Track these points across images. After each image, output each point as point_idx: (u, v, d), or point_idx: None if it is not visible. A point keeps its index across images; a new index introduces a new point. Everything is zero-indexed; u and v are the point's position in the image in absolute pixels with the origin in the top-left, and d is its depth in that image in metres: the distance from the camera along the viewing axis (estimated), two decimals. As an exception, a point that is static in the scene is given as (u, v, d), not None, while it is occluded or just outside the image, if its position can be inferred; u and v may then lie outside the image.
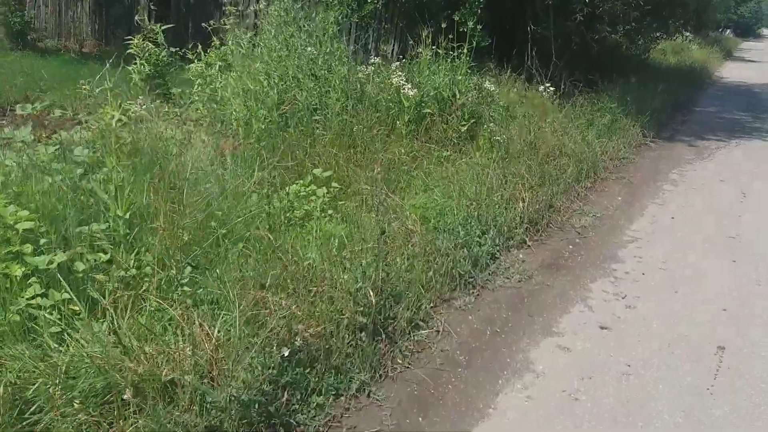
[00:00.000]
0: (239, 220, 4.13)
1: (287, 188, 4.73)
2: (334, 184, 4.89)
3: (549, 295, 4.32)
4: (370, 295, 3.21)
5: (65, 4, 14.59)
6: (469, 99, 7.78)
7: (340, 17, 9.35)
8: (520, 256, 4.67)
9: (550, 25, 10.42)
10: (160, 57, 8.73)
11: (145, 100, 8.70)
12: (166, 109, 7.91)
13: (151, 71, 8.77)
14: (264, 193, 4.26)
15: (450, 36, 7.80)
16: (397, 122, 6.72)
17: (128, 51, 8.87)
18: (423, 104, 7.18)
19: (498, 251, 4.64)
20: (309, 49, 7.08)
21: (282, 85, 6.53)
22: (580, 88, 9.58)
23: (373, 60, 8.43)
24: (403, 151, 6.22)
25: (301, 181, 4.77)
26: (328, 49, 7.02)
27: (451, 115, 7.23)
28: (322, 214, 4.46)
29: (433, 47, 8.14)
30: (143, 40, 8.68)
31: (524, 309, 4.09)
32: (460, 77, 7.74)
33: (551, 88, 8.25)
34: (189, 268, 3.34)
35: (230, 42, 7.23)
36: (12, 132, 4.38)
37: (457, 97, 7.41)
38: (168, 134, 6.29)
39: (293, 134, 6.05)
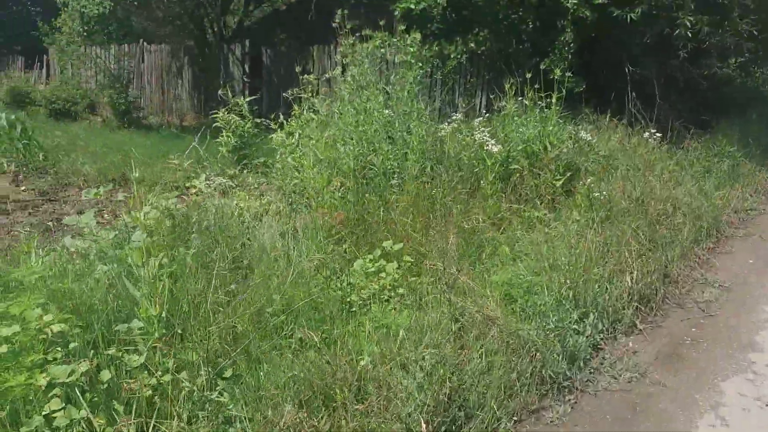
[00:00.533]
0: (299, 305, 3.71)
1: (354, 264, 4.28)
2: (406, 257, 4.39)
3: (668, 400, 3.40)
4: (422, 427, 2.58)
5: (167, 83, 15.51)
6: (563, 151, 7.12)
7: (420, 76, 9.05)
8: (630, 344, 3.82)
9: (651, 64, 9.56)
10: (246, 128, 8.82)
11: (227, 171, 8.79)
12: (250, 179, 7.88)
13: (237, 143, 8.87)
14: (325, 275, 3.83)
15: (537, 86, 7.22)
16: (482, 182, 6.16)
17: (215, 124, 9.06)
18: (510, 160, 6.60)
19: (602, 339, 3.81)
20: (386, 111, 6.77)
21: (357, 150, 6.22)
22: (691, 131, 8.59)
23: (456, 116, 8.01)
24: (486, 213, 5.63)
25: (370, 256, 4.31)
26: (406, 110, 6.66)
27: (543, 169, 6.58)
28: (392, 294, 3.96)
29: (520, 98, 7.60)
30: (227, 113, 8.81)
31: (636, 421, 3.22)
32: (550, 128, 7.09)
33: (657, 134, 7.37)
34: (222, 381, 2.92)
35: (305, 111, 7.06)
36: (76, 218, 4.27)
37: (549, 149, 6.76)
38: (243, 205, 6.12)
39: (369, 201, 5.66)
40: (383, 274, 4.08)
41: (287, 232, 5.07)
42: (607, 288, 3.89)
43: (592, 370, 3.45)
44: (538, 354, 3.23)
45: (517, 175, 6.56)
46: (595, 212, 5.30)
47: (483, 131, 6.96)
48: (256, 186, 7.23)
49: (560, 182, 6.54)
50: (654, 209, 5.17)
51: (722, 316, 4.24)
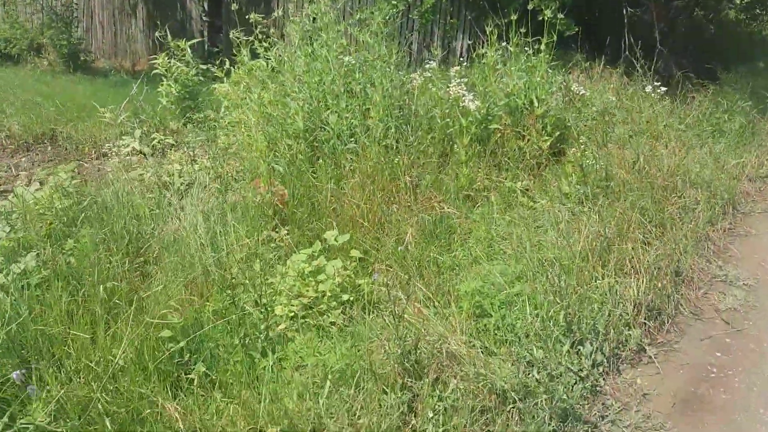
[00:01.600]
0: (204, 331, 2.83)
1: (289, 261, 3.38)
2: (353, 252, 3.49)
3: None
4: None
5: (120, 23, 14.10)
6: (553, 105, 6.16)
7: (392, 15, 7.86)
8: (638, 381, 2.89)
9: (651, 5, 8.51)
10: (189, 76, 7.69)
11: (170, 126, 7.72)
12: (189, 137, 6.84)
13: (180, 93, 7.75)
14: (244, 278, 2.94)
15: (523, 29, 6.18)
16: (456, 145, 5.22)
17: (154, 71, 7.91)
18: (490, 117, 5.63)
19: (601, 375, 2.86)
20: (346, 58, 5.73)
21: (308, 106, 5.21)
22: (694, 82, 7.64)
23: (430, 64, 6.95)
24: (459, 184, 4.72)
25: (308, 251, 3.40)
26: (368, 57, 5.61)
27: (528, 129, 5.64)
28: (331, 306, 3.07)
29: (504, 43, 6.57)
30: (168, 58, 7.66)
31: None
32: (538, 78, 6.09)
33: (661, 87, 6.40)
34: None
35: (243, 56, 5.97)
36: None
37: (536, 105, 5.80)
38: (171, 173, 5.14)
39: (320, 171, 4.71)
40: (322, 277, 3.18)
41: (213, 211, 4.13)
42: (607, 296, 3.02)
43: (589, 429, 2.60)
44: (515, 410, 2.40)
45: (498, 135, 5.62)
46: (588, 185, 4.41)
47: (459, 83, 5.96)
48: (195, 146, 6.22)
49: (548, 143, 5.61)
50: (661, 182, 4.29)
51: (752, 332, 3.36)
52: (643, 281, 3.14)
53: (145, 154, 6.89)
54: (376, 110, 5.23)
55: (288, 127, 5.08)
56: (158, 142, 6.97)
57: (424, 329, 2.58)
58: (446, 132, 5.38)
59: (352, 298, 3.12)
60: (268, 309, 2.88)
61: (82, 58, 12.93)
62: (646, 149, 4.50)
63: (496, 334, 2.76)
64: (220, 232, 4.04)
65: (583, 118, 6.04)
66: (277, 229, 3.85)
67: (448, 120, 5.43)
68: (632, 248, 3.37)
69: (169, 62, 7.61)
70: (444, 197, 4.65)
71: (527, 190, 4.88)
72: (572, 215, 4.02)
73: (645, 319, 3.04)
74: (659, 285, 3.19)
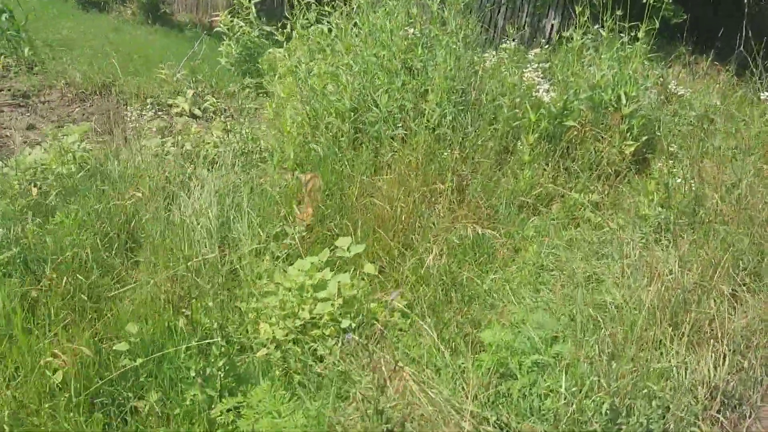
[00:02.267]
0: (167, 352, 2.39)
1: (290, 269, 2.88)
2: (368, 267, 2.95)
3: None
4: None
5: (203, -24, 13.93)
6: (644, 104, 5.31)
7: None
8: None
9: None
10: (252, 37, 7.29)
11: (226, 88, 7.35)
12: (242, 102, 6.46)
13: (241, 54, 7.38)
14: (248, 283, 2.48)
15: (620, 11, 5.31)
16: (520, 142, 4.53)
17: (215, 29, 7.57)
18: (566, 113, 4.88)
19: None
20: (410, 30, 5.10)
21: (359, 84, 4.65)
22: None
23: (509, 44, 6.19)
24: (516, 190, 4.07)
25: (314, 259, 2.88)
26: (434, 32, 4.96)
27: (611, 130, 4.85)
28: (324, 334, 2.55)
29: (596, 26, 5.72)
30: (231, 16, 7.27)
31: None
32: (631, 71, 5.24)
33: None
34: None
35: (298, 24, 5.44)
36: None
37: (624, 102, 4.98)
38: (194, 149, 4.72)
39: (357, 159, 4.18)
40: (324, 294, 2.66)
41: (229, 193, 3.70)
42: (673, 377, 2.32)
43: None
44: None
45: (574, 134, 4.87)
46: (671, 209, 3.65)
47: (537, 68, 5.22)
48: (241, 115, 5.81)
49: (631, 149, 4.82)
50: (766, 216, 3.47)
51: None
52: (724, 356, 2.42)
53: (196, 117, 6.59)
54: (435, 93, 4.61)
55: (333, 105, 4.56)
56: (211, 105, 6.65)
57: (421, 394, 2.02)
58: (512, 125, 4.69)
59: (354, 324, 2.59)
60: (234, 338, 2.41)
61: (162, 10, 12.86)
62: (751, 172, 3.68)
63: (519, 403, 2.17)
64: (233, 218, 3.61)
65: (678, 123, 5.17)
66: (294, 224, 3.35)
67: (517, 111, 4.73)
68: (716, 305, 2.65)
69: (232, 21, 7.23)
70: (497, 202, 4.01)
71: (597, 205, 4.15)
72: (646, 247, 3.30)
73: (719, 408, 2.33)
74: (745, 363, 2.46)
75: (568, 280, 2.98)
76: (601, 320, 2.50)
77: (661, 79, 5.85)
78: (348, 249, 2.89)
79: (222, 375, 2.20)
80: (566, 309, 2.67)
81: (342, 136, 4.51)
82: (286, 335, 2.50)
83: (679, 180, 3.82)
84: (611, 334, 2.36)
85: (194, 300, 2.67)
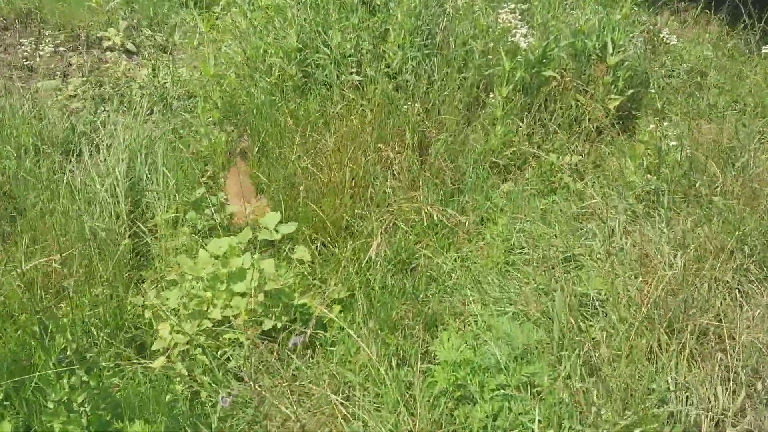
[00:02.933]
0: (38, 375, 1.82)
1: (202, 253, 2.31)
2: (299, 251, 2.40)
3: None
4: None
5: None
6: (630, 55, 4.75)
7: None
8: None
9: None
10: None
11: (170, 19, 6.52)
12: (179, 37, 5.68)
13: (185, -18, 6.51)
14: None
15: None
16: (492, 93, 3.96)
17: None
18: (545, 61, 4.30)
19: None
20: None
21: (308, 20, 3.97)
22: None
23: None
24: (486, 148, 3.54)
25: (235, 240, 2.31)
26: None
27: (594, 83, 4.31)
28: (236, 345, 2.02)
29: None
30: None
31: None
32: (619, 16, 4.67)
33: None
34: None
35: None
36: None
37: (610, 51, 4.41)
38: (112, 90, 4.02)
39: (303, 106, 3.56)
40: (240, 287, 2.11)
41: (142, 149, 3.07)
42: (671, 402, 1.85)
43: None
44: None
45: (553, 85, 4.31)
46: (662, 178, 3.15)
47: (514, 9, 4.58)
48: (180, 51, 5.06)
49: (616, 103, 4.29)
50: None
51: None
52: (735, 374, 1.96)
53: (129, 53, 5.81)
54: (396, 33, 3.97)
55: (277, 42, 3.88)
56: (146, 39, 5.85)
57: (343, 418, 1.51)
58: (483, 73, 4.10)
59: (280, 326, 2.06)
60: (121, 345, 1.84)
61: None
62: (756, 138, 3.18)
63: (478, 438, 1.69)
64: (146, 178, 3.00)
65: (667, 76, 4.65)
66: (215, 189, 2.76)
67: (490, 58, 4.13)
68: (721, 303, 2.18)
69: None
70: (463, 163, 3.47)
71: (576, 166, 3.64)
72: (633, 221, 2.82)
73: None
74: (759, 384, 2.00)
75: (542, 263, 2.48)
76: (582, 326, 2.01)
77: (651, 26, 5.27)
78: (275, 229, 2.32)
79: (87, 409, 1.66)
80: (539, 305, 2.18)
81: (287, 80, 3.86)
82: (188, 342, 1.96)
83: (673, 143, 3.32)
84: (595, 344, 1.88)
85: (71, 296, 2.09)
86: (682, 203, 2.94)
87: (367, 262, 2.41)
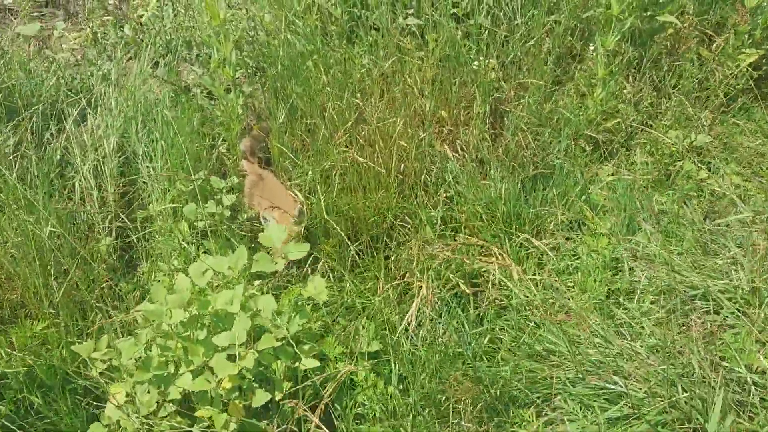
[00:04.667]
0: None
1: (187, 275, 1.66)
2: (309, 288, 1.69)
3: None
4: None
5: None
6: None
7: None
8: None
9: None
10: None
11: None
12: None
13: None
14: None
15: None
16: (591, 46, 3.06)
17: None
18: (660, 3, 3.32)
19: None
20: None
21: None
22: None
23: None
24: (586, 118, 2.72)
25: (234, 258, 1.63)
26: None
27: (725, 33, 3.32)
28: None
29: None
30: None
31: None
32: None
33: None
34: None
35: None
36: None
37: (750, -10, 3.37)
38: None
39: (342, 63, 2.80)
40: (223, 340, 1.44)
41: (137, 114, 2.42)
42: None
43: None
44: None
45: (670, 34, 3.34)
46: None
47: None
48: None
49: (752, 59, 3.28)
50: None
51: None
52: None
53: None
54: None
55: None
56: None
57: None
58: (580, 19, 3.18)
59: (280, 396, 1.40)
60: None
61: None
62: None
63: None
64: (144, 152, 2.37)
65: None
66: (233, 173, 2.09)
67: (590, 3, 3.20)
68: None
69: None
70: (551, 139, 2.66)
71: (701, 150, 2.76)
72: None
73: None
74: None
75: (669, 309, 1.71)
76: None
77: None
78: (287, 253, 1.58)
79: None
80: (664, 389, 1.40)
81: (333, 23, 3.08)
82: (141, 426, 1.33)
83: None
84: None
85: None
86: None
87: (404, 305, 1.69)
